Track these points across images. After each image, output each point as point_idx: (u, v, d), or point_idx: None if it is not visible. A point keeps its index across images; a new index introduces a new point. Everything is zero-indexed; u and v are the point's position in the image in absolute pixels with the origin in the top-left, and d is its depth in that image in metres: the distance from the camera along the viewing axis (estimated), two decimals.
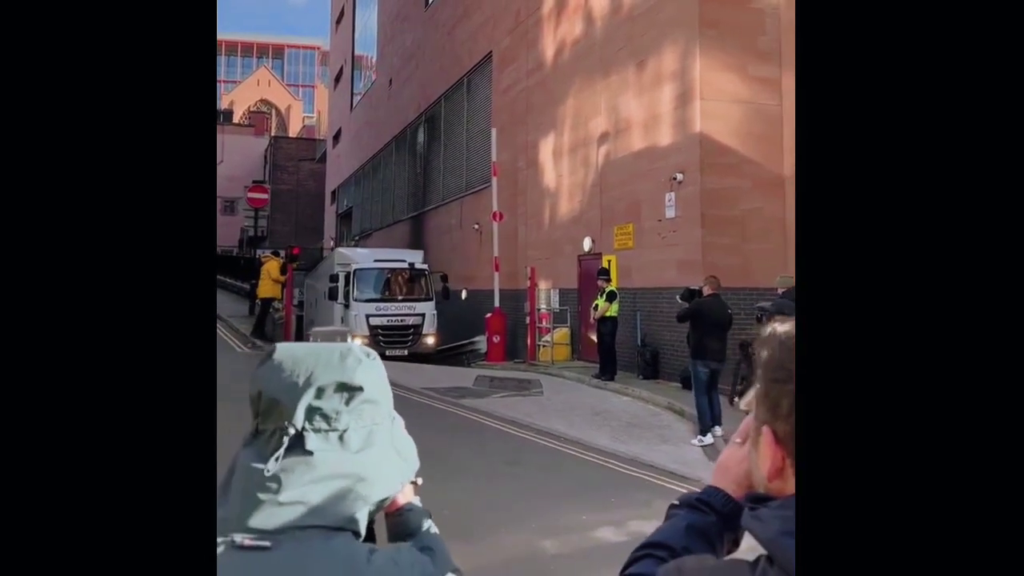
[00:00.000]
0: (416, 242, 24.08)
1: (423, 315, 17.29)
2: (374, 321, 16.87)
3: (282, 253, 20.11)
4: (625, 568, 0.95)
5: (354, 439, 0.98)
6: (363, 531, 0.98)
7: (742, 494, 0.93)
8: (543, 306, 15.82)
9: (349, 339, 1.07)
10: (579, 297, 14.78)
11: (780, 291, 8.40)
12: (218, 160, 51.35)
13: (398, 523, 1.09)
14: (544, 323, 15.49)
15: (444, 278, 18.07)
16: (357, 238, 33.03)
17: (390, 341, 16.79)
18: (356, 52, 36.51)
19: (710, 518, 0.98)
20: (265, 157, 51.37)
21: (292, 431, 0.96)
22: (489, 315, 16.10)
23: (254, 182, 30.38)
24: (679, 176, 11.79)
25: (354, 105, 36.10)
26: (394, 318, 17.08)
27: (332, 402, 0.98)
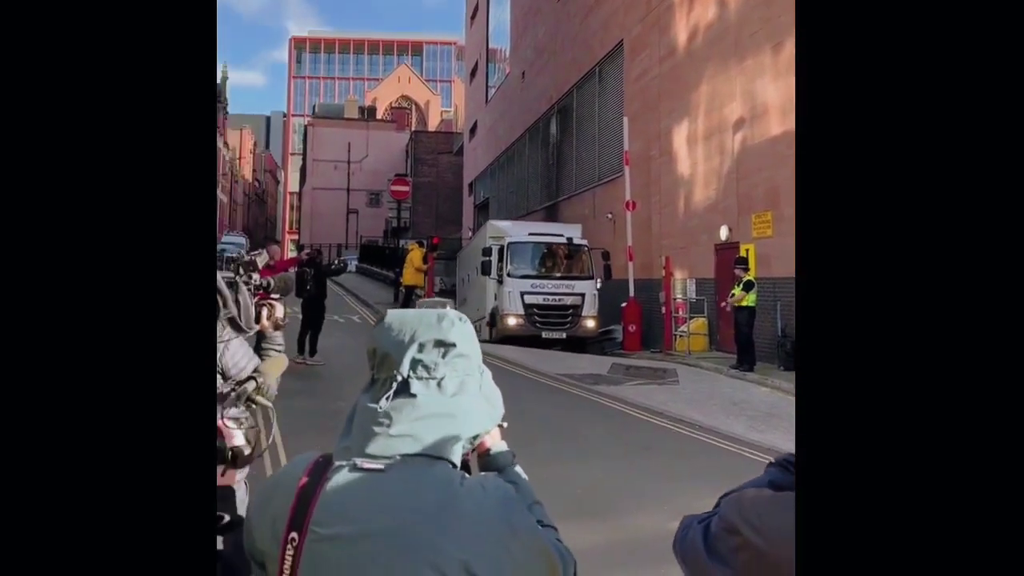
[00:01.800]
0: None
1: (583, 295, 15.90)
2: (529, 299, 15.62)
3: (424, 243, 20.68)
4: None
5: (449, 386, 1.18)
6: (458, 462, 1.18)
7: None
8: (679, 296, 15.68)
9: (448, 308, 1.27)
10: (716, 287, 14.59)
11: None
12: (363, 155, 54.01)
13: (487, 462, 1.31)
14: (680, 313, 15.35)
15: (606, 255, 16.51)
16: None
17: (547, 322, 15.63)
18: (490, 46, 37.25)
19: (792, 478, 1.10)
20: (407, 151, 53.38)
21: (399, 378, 1.17)
22: (624, 304, 16.07)
23: (396, 175, 31.71)
24: None
25: (489, 98, 36.91)
26: (551, 297, 15.74)
27: (431, 355, 1.18)
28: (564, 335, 15.64)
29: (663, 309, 15.56)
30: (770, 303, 12.57)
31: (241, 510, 2.63)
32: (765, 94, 13.06)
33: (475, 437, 1.22)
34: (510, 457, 1.32)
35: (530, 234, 17.02)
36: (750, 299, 11.98)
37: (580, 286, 16.08)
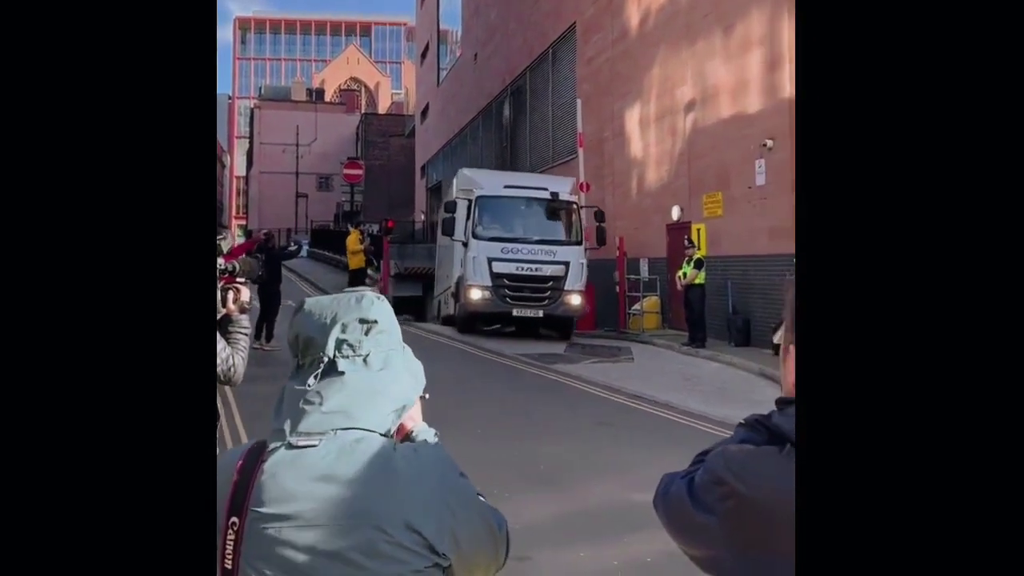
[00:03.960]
0: None
1: (566, 264, 12.87)
2: (499, 268, 12.65)
3: (373, 227, 20.11)
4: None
5: (375, 361, 1.24)
6: (390, 432, 1.23)
7: None
8: (632, 275, 15.93)
9: (368, 293, 1.31)
10: (668, 266, 14.87)
11: None
12: (312, 138, 53.14)
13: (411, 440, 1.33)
14: (633, 292, 15.62)
15: (600, 215, 13.54)
16: None
17: (519, 297, 12.73)
18: (441, 27, 36.93)
19: (764, 437, 1.14)
20: (357, 134, 52.69)
21: (326, 359, 1.21)
22: None
23: (349, 159, 31.33)
24: (769, 143, 11.70)
25: (440, 80, 36.64)
26: (526, 265, 12.71)
27: (355, 334, 1.23)
28: (541, 313, 12.86)
29: (617, 288, 15.79)
30: (721, 281, 12.88)
31: None
32: (716, 76, 13.28)
33: (402, 409, 1.27)
34: (432, 432, 1.35)
35: (505, 187, 13.67)
36: (701, 277, 12.27)
37: (564, 252, 12.96)
